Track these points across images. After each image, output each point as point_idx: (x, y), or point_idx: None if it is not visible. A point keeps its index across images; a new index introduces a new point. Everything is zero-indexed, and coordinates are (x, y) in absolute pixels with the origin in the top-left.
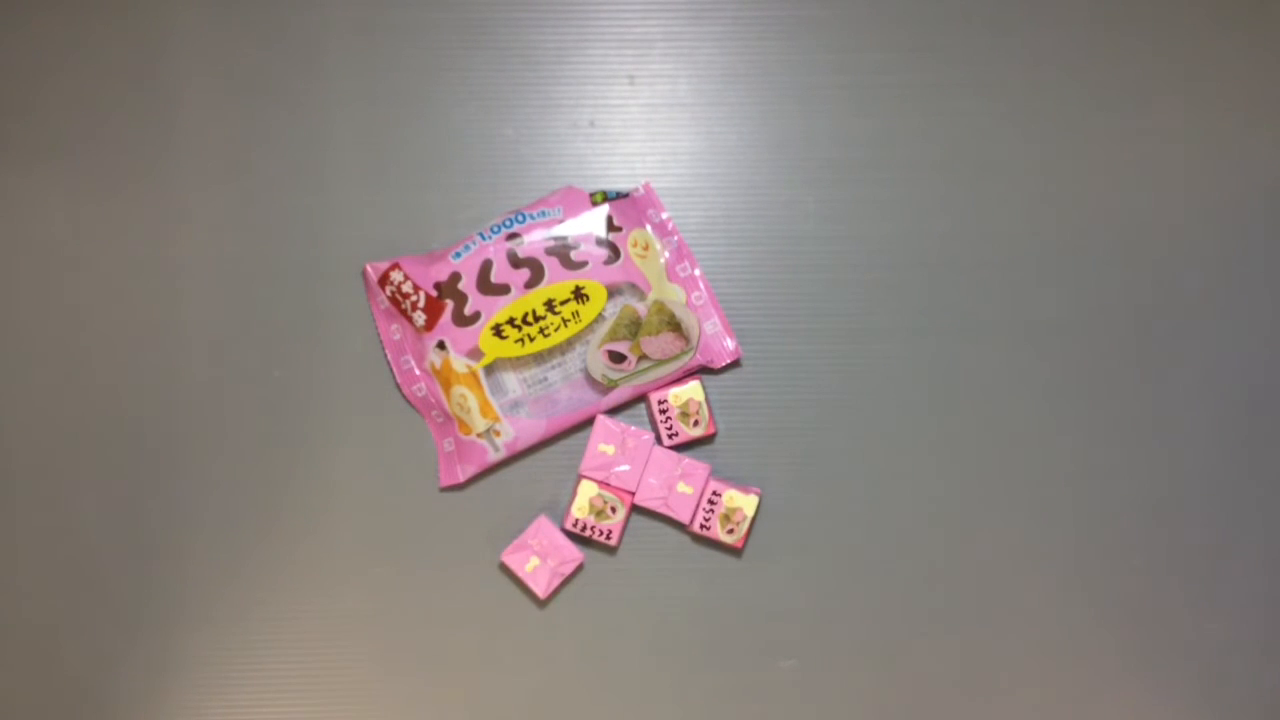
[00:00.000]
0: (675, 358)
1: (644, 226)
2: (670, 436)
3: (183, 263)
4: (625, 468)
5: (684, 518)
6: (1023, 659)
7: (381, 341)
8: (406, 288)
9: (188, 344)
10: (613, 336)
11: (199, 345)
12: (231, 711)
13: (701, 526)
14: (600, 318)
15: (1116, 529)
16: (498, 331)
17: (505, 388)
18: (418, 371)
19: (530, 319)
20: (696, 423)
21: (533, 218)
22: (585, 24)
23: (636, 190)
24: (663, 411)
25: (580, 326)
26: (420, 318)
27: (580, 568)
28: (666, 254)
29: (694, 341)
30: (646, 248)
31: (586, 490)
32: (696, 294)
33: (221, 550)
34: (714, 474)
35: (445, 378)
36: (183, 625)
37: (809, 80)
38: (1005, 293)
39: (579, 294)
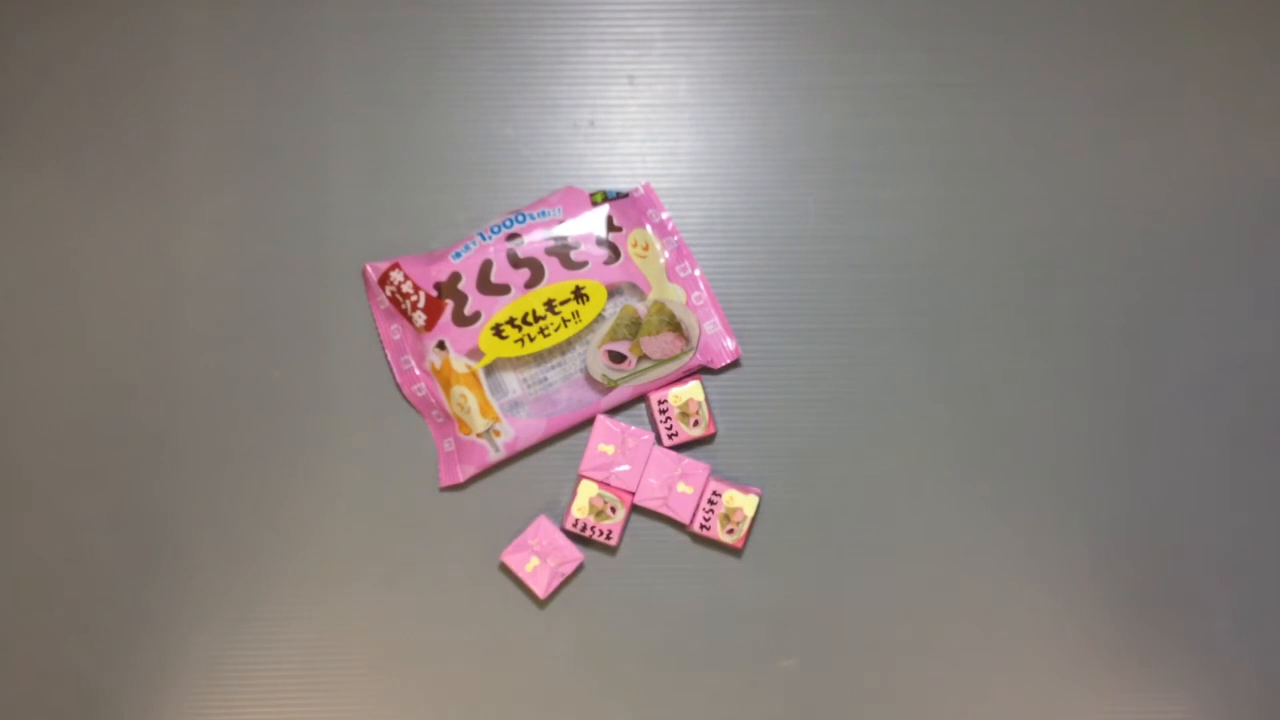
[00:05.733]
0: (675, 358)
1: (644, 226)
2: (670, 436)
3: (183, 263)
4: (625, 468)
5: (684, 518)
6: (1022, 659)
7: (381, 341)
8: (406, 288)
9: (188, 344)
10: (613, 336)
11: (199, 345)
12: (231, 711)
13: (701, 526)
14: (600, 318)
15: (1117, 528)
16: (498, 331)
17: (505, 388)
18: (418, 371)
19: (530, 319)
20: (696, 423)
21: (533, 218)
22: (585, 24)
23: (636, 190)
24: (663, 411)
25: (580, 326)
26: (420, 318)
27: (580, 568)
28: (666, 254)
29: (694, 341)
30: (646, 248)
31: (586, 490)
32: (696, 294)
33: (221, 550)
34: (714, 474)
35: (445, 378)
36: (183, 625)
37: (809, 80)
38: (1005, 292)
39: (579, 294)
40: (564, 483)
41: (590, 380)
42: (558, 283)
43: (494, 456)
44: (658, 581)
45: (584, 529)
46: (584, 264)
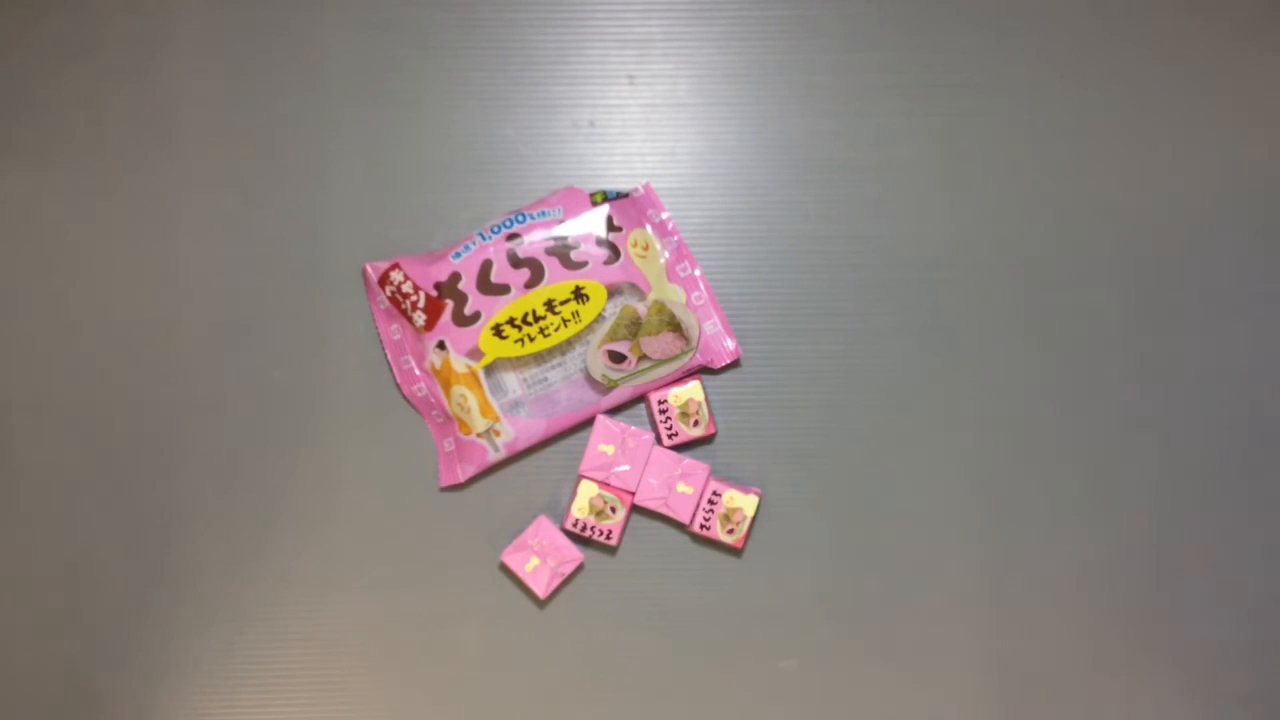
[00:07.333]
0: (675, 358)
1: (644, 226)
2: (670, 436)
3: (183, 263)
4: (625, 468)
5: (684, 518)
6: (1022, 659)
7: (381, 341)
8: (406, 288)
9: (187, 344)
10: (613, 336)
11: (199, 345)
12: (231, 711)
13: (701, 526)
14: (600, 318)
15: (1116, 529)
16: (498, 331)
17: (505, 388)
18: (418, 371)
19: (530, 319)
20: (696, 423)
21: (533, 218)
22: (585, 24)
23: (636, 190)
24: (663, 411)
25: (580, 326)
26: (420, 318)
27: (580, 568)
28: (666, 254)
29: (694, 341)
30: (646, 248)
31: (586, 490)
32: (696, 294)
33: (221, 550)
34: (714, 474)
35: (445, 378)
36: (183, 625)
37: (809, 80)
38: (1005, 292)
39: (579, 294)
40: (564, 483)
41: (590, 380)
42: (558, 283)
43: (494, 456)
44: (658, 581)
45: (584, 529)
46: (584, 264)
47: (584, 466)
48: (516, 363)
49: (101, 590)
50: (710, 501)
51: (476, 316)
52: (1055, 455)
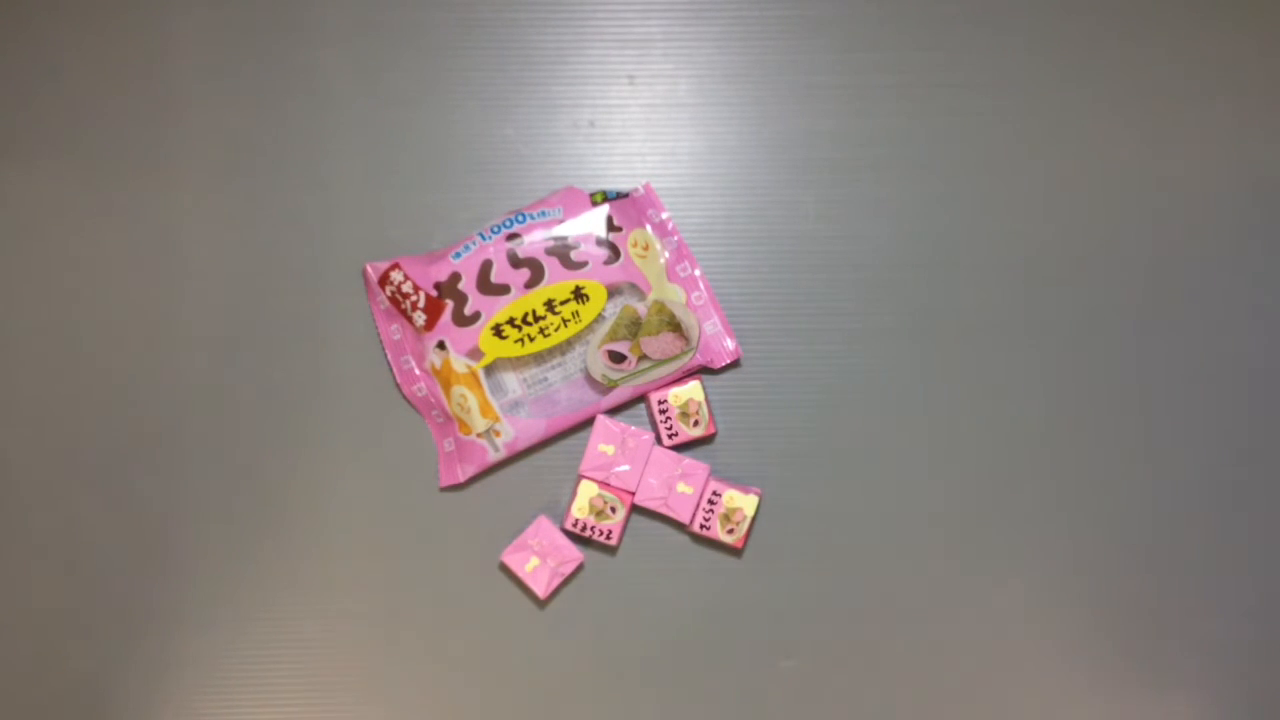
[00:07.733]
0: (675, 358)
1: (644, 226)
2: (670, 436)
3: (182, 263)
4: (625, 468)
5: (684, 518)
6: (1022, 659)
7: (381, 341)
8: (406, 288)
9: (188, 344)
10: (613, 336)
11: (199, 345)
12: (231, 711)
13: (701, 526)
14: (600, 318)
15: (1116, 529)
16: (498, 331)
17: (505, 388)
18: (418, 371)
19: (530, 319)
20: (696, 423)
21: (533, 218)
22: (585, 24)
23: (636, 190)
24: (663, 411)
25: (580, 326)
26: (420, 318)
27: (580, 568)
28: (666, 254)
29: (694, 341)
30: (646, 248)
31: (586, 490)
32: (696, 294)
33: (221, 551)
34: (714, 474)
35: (445, 378)
36: (183, 626)
37: (809, 80)
38: (1004, 292)
39: (579, 294)
40: (564, 483)
41: (590, 380)
42: (558, 283)
43: (494, 456)
44: (658, 581)
45: (584, 529)
46: (584, 264)
47: (584, 466)
48: (516, 363)
49: (101, 590)
50: (710, 501)
51: (476, 316)
52: (1054, 455)
